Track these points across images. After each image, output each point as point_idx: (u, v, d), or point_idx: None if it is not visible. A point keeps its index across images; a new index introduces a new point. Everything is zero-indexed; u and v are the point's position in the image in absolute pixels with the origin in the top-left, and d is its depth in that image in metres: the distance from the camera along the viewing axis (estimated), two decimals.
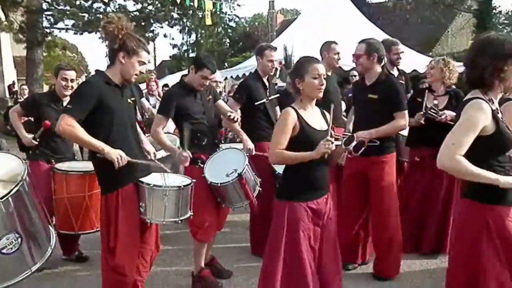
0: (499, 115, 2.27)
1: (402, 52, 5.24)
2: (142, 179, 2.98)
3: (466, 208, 2.37)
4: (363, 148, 3.22)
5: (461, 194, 2.39)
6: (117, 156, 2.79)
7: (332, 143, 2.58)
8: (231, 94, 6.90)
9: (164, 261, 4.34)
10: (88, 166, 3.72)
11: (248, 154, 3.89)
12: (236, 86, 6.10)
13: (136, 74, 3.01)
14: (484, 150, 2.20)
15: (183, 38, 33.73)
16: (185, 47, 33.04)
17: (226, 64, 25.39)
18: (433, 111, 4.08)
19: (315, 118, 2.76)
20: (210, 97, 3.91)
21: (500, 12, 22.19)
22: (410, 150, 4.43)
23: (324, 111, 2.89)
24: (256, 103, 4.34)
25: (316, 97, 2.74)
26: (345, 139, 2.86)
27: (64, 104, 4.04)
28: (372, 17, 15.69)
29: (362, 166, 3.78)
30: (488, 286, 2.22)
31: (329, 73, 4.93)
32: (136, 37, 2.96)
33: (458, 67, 10.37)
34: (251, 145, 4.02)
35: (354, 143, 2.85)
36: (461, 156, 2.15)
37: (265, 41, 18.24)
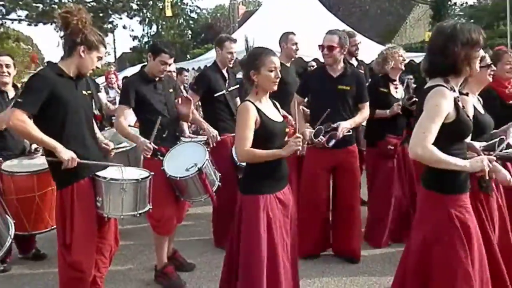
0: (459, 103, 2.30)
1: (360, 43, 5.33)
2: (98, 173, 2.90)
3: (426, 197, 2.40)
4: (334, 140, 3.25)
5: (421, 183, 2.42)
6: (69, 157, 2.70)
7: (302, 140, 2.59)
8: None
9: (126, 256, 4.28)
10: (38, 162, 3.61)
11: (211, 144, 3.88)
12: None
13: (92, 69, 2.95)
14: (445, 137, 2.23)
15: (143, 30, 33.07)
16: (146, 39, 32.40)
17: (188, 56, 25.08)
18: (412, 101, 4.12)
19: (270, 110, 2.75)
20: (172, 90, 3.85)
21: (455, 3, 22.90)
22: (379, 141, 4.38)
23: (275, 101, 2.86)
24: (215, 95, 4.30)
25: (271, 89, 2.71)
26: (314, 131, 2.87)
27: (10, 95, 3.90)
28: (332, 8, 15.86)
29: (337, 157, 3.82)
30: (452, 277, 2.26)
31: (288, 64, 4.97)
32: (97, 31, 2.90)
33: (416, 57, 10.63)
34: (213, 131, 4.01)
35: (322, 135, 2.88)
36: (431, 143, 2.17)
37: (227, 33, 18.13)
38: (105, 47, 3.01)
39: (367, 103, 3.95)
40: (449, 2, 20.83)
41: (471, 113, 2.77)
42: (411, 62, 9.09)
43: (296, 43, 4.81)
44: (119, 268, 4.01)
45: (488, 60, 3.10)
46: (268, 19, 10.64)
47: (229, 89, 4.40)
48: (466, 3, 26.32)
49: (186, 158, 3.55)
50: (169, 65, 3.73)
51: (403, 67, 4.42)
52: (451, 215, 2.28)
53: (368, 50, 8.80)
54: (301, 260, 3.39)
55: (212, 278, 3.75)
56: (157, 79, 3.69)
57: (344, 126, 3.73)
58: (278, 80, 2.69)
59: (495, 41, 11.69)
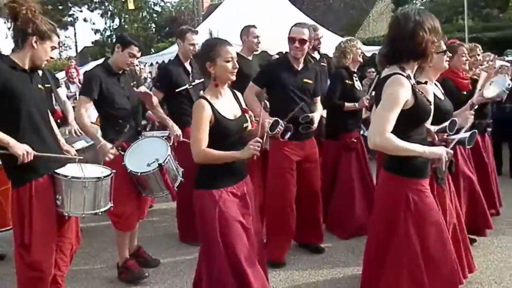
0: (417, 89, 2.37)
1: (322, 37, 5.38)
2: (58, 171, 2.83)
3: (386, 180, 2.49)
4: (289, 133, 3.28)
5: (382, 165, 2.51)
6: (23, 151, 2.62)
7: (261, 143, 2.54)
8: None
9: (88, 254, 4.21)
10: None
11: (173, 142, 3.83)
12: None
13: (47, 60, 2.84)
14: (404, 123, 2.28)
15: (105, 23, 32.36)
16: (108, 33, 31.73)
17: (152, 49, 24.71)
18: None
19: (228, 105, 2.69)
20: (134, 83, 3.78)
21: None
22: (340, 134, 4.48)
23: (236, 92, 2.83)
24: (177, 90, 4.21)
25: (229, 80, 2.66)
26: (271, 123, 2.87)
27: None
28: (296, 2, 15.90)
29: (302, 149, 3.85)
30: (398, 261, 2.35)
31: (250, 58, 4.95)
32: (48, 20, 2.79)
33: (378, 51, 10.83)
34: (177, 130, 3.96)
35: (280, 128, 2.90)
36: (389, 132, 2.21)
37: (192, 26, 17.94)
38: (58, 37, 2.93)
39: (319, 97, 4.04)
40: None
41: (431, 99, 2.86)
42: (374, 56, 9.23)
43: (257, 36, 4.80)
44: (82, 266, 3.94)
45: (443, 47, 3.18)
46: (232, 13, 10.58)
47: (193, 83, 4.35)
48: None
49: (147, 153, 3.49)
50: (137, 58, 3.69)
51: (361, 60, 4.52)
52: (408, 198, 2.35)
53: (332, 44, 8.83)
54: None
55: (177, 273, 3.74)
56: (120, 72, 3.62)
57: (317, 118, 3.84)
58: (235, 70, 2.64)
59: (454, 35, 11.99)
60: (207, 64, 2.59)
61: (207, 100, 2.58)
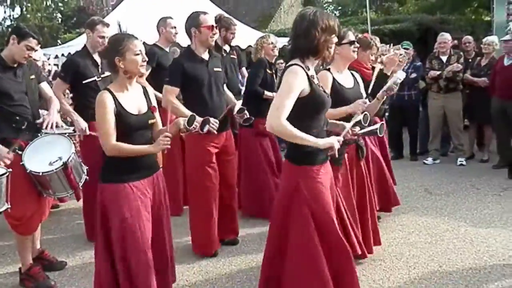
0: (315, 80, 2.50)
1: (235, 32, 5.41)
2: None
3: (284, 167, 2.62)
4: (207, 126, 3.27)
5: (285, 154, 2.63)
6: None
7: (170, 139, 2.61)
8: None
9: None
10: None
11: (80, 137, 3.65)
12: None
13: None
14: (300, 111, 2.40)
15: (5, 12, 30.05)
16: (8, 22, 29.42)
17: (59, 41, 23.31)
18: None
19: (133, 99, 2.68)
20: (33, 76, 3.53)
21: None
22: (256, 120, 4.37)
23: (147, 88, 2.82)
24: (84, 82, 4.03)
25: (140, 73, 2.68)
26: (186, 119, 2.83)
27: None
28: None
29: (219, 141, 3.81)
30: (294, 249, 2.46)
31: (167, 49, 4.89)
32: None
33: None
34: (83, 124, 3.80)
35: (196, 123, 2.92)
36: (284, 118, 2.33)
37: (101, 17, 17.17)
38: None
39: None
40: None
41: (328, 88, 3.08)
42: (284, 47, 9.44)
43: (174, 27, 4.82)
44: None
45: (351, 37, 3.34)
46: (142, 4, 10.27)
47: (102, 75, 4.15)
48: None
49: (49, 152, 3.29)
50: (35, 51, 3.45)
51: (275, 53, 4.73)
52: (299, 185, 2.47)
53: (244, 35, 8.95)
54: None
55: (85, 274, 3.59)
56: (16, 65, 3.36)
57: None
58: (145, 63, 2.66)
59: (358, 27, 12.60)
60: (116, 59, 2.58)
61: (110, 92, 2.58)
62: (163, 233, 2.79)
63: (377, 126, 2.90)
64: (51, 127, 3.38)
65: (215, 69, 3.82)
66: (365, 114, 2.87)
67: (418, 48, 9.20)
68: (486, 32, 10.50)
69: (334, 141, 2.46)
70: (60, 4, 31.30)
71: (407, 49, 7.03)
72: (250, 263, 3.74)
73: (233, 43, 5.54)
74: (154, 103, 2.80)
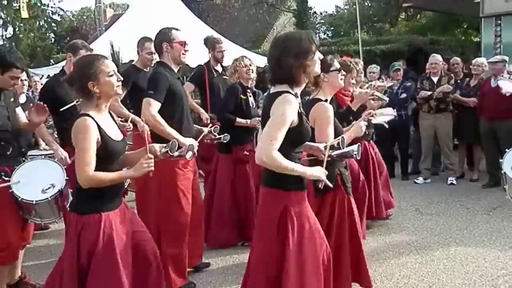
0: (301, 109, 2.44)
1: (225, 50, 5.43)
2: None
3: (266, 196, 2.50)
4: (191, 152, 3.15)
5: (262, 182, 2.53)
6: None
7: (152, 161, 2.47)
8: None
9: None
10: None
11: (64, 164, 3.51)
12: None
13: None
14: (287, 142, 2.32)
15: None
16: (0, 42, 29.47)
17: (52, 60, 23.36)
18: None
19: (110, 125, 2.53)
20: (12, 99, 3.44)
21: (315, 12, 24.63)
22: (233, 147, 4.45)
23: (113, 114, 2.69)
24: (61, 109, 3.70)
25: (117, 94, 2.54)
26: (169, 145, 2.77)
27: None
28: (202, 14, 16.01)
29: (194, 166, 3.71)
30: (288, 274, 2.37)
31: (146, 70, 4.82)
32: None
33: None
34: (63, 153, 3.64)
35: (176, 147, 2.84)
36: (276, 150, 2.25)
37: (94, 37, 17.21)
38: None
39: None
40: (310, 11, 22.32)
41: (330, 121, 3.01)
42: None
43: (151, 53, 4.58)
44: None
45: (337, 65, 3.28)
46: (135, 24, 10.36)
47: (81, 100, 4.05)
48: (326, 12, 28.46)
49: (38, 177, 3.20)
50: (21, 80, 3.42)
51: (250, 76, 4.59)
52: (288, 209, 2.41)
53: (237, 56, 9.07)
54: None
55: None
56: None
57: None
58: (120, 83, 2.50)
59: (350, 48, 12.78)
60: (89, 84, 2.39)
61: (92, 118, 2.39)
62: (147, 257, 2.64)
63: (353, 148, 2.72)
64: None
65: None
66: (342, 137, 2.75)
67: (408, 68, 9.37)
68: (476, 53, 10.70)
69: (321, 173, 2.41)
70: (53, 24, 31.43)
71: (398, 69, 7.16)
72: None
73: (225, 63, 5.60)
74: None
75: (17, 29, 28.77)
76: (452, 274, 3.74)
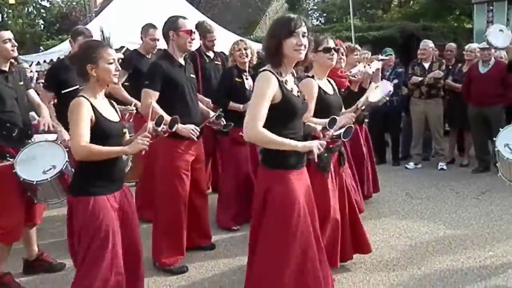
0: (287, 86, 2.48)
1: (215, 39, 5.42)
2: None
3: (259, 172, 2.62)
4: (176, 125, 3.22)
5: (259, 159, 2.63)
6: None
7: (148, 139, 2.58)
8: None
9: None
10: None
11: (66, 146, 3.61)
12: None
13: None
14: (274, 117, 2.40)
15: None
16: None
17: (41, 48, 23.12)
18: None
19: (106, 107, 2.65)
20: (22, 83, 3.51)
21: None
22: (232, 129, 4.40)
23: (113, 102, 2.80)
24: (63, 92, 3.94)
25: (112, 82, 2.64)
26: (155, 121, 2.85)
27: None
28: (193, 0, 15.85)
29: (195, 148, 3.77)
30: (264, 253, 2.49)
31: (148, 56, 4.90)
32: None
33: None
34: (66, 136, 3.72)
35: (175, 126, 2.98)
36: (260, 126, 2.33)
37: (84, 23, 17.06)
38: None
39: None
40: None
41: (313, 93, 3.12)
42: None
43: (155, 39, 4.80)
44: None
45: (328, 44, 3.28)
46: (125, 10, 10.26)
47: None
48: None
49: (42, 159, 3.28)
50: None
51: (244, 60, 4.60)
52: (270, 188, 2.47)
53: (229, 42, 9.01)
54: None
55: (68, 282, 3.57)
56: (8, 69, 3.36)
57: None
58: (118, 72, 2.63)
59: (343, 34, 12.73)
60: (88, 67, 2.54)
61: (86, 98, 2.53)
62: (136, 245, 2.76)
63: (342, 130, 2.76)
64: (48, 128, 3.40)
65: (191, 75, 3.82)
66: (332, 118, 2.78)
67: (401, 54, 9.36)
68: (468, 39, 10.72)
69: (314, 145, 2.45)
70: (42, 11, 31.05)
71: (390, 55, 7.17)
72: (234, 267, 3.77)
73: (218, 49, 5.60)
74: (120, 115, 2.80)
75: (5, 15, 28.41)
76: (441, 256, 3.80)
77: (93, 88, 2.60)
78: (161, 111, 3.38)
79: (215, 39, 5.36)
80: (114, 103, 2.81)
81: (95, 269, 2.46)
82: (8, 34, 3.37)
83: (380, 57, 5.80)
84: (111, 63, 2.57)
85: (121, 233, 2.59)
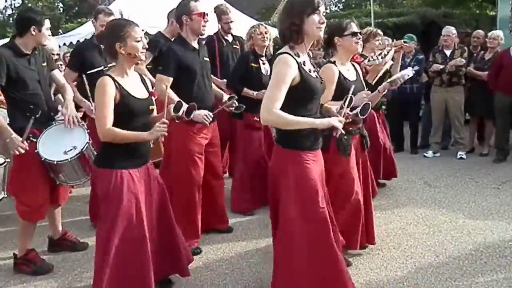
0: (305, 67, 2.49)
1: (232, 21, 5.38)
2: None
3: (275, 152, 2.64)
4: (193, 112, 3.26)
5: (275, 139, 2.68)
6: None
7: (166, 126, 2.64)
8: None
9: None
10: None
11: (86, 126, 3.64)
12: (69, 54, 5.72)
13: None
14: (292, 99, 2.42)
15: (6, 1, 30.02)
16: (9, 11, 29.43)
17: (60, 31, 23.28)
18: None
19: (134, 84, 2.73)
20: (45, 64, 3.54)
21: None
22: (244, 114, 4.46)
23: (144, 76, 2.89)
24: (89, 72, 4.02)
25: (140, 59, 2.71)
26: (174, 106, 2.90)
27: None
28: None
29: (210, 132, 3.80)
30: (285, 228, 2.53)
31: (172, 39, 4.87)
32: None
33: None
34: (92, 105, 3.86)
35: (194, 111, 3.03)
36: (278, 109, 2.35)
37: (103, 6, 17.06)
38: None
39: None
40: None
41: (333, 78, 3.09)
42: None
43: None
44: None
45: (354, 29, 3.24)
46: None
47: (109, 65, 4.16)
48: None
49: (63, 140, 3.34)
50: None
51: (265, 43, 4.55)
52: (287, 168, 2.51)
53: (247, 27, 8.96)
54: None
55: (90, 259, 3.64)
56: (30, 52, 3.39)
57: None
58: (145, 50, 2.70)
59: (362, 20, 12.55)
60: (117, 45, 2.61)
61: (111, 77, 2.61)
62: (169, 218, 2.88)
63: (359, 108, 2.78)
64: (73, 123, 3.40)
65: (205, 58, 3.81)
66: (348, 96, 2.74)
67: (421, 41, 9.20)
68: (491, 27, 10.48)
69: (334, 121, 2.46)
70: None
71: (413, 41, 7.02)
72: (251, 251, 3.79)
73: (235, 34, 5.56)
74: (151, 89, 2.87)
75: None
76: (459, 245, 3.77)
77: (122, 66, 2.68)
78: (175, 97, 3.34)
79: (231, 21, 5.32)
80: (146, 79, 2.88)
81: (117, 230, 2.58)
82: (48, 23, 3.42)
83: (402, 42, 5.69)
84: (138, 41, 2.63)
85: (149, 207, 2.71)
